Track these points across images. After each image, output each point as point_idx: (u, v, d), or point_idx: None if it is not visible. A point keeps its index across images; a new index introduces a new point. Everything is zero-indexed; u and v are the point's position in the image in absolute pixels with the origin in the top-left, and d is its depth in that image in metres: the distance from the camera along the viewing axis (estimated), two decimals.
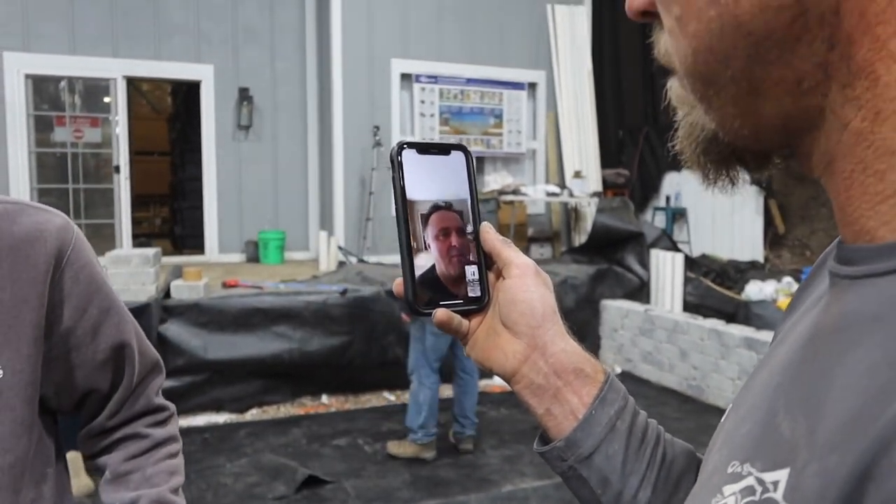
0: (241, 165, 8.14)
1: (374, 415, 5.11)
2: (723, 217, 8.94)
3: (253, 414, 5.16)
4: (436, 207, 0.61)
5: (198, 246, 8.42)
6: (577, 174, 8.43)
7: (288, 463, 4.11)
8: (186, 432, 4.51)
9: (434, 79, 8.21)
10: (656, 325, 5.88)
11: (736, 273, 7.47)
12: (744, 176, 0.42)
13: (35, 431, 0.94)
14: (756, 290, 6.67)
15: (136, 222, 8.54)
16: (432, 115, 8.24)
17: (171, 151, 11.55)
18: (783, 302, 6.37)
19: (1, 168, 7.26)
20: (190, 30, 7.87)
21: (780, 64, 0.34)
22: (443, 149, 0.63)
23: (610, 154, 9.56)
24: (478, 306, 0.61)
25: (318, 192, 8.44)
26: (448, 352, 4.19)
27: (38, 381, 0.93)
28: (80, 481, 3.56)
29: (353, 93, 7.77)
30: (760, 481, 0.34)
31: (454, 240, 0.61)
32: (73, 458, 3.48)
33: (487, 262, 0.62)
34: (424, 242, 0.60)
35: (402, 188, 0.60)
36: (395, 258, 0.67)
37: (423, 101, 8.19)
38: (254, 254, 7.94)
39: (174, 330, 4.98)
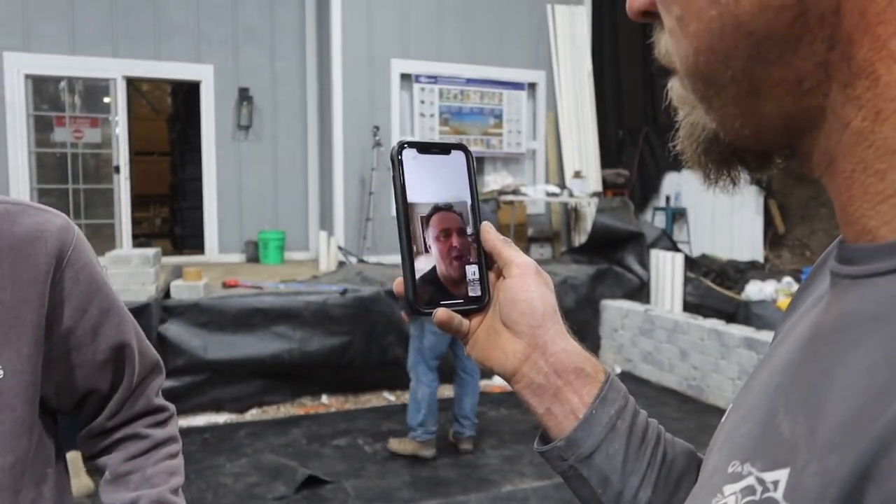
0: (241, 165, 8.14)
1: (374, 415, 5.11)
2: (723, 217, 8.94)
3: (253, 414, 5.16)
4: (436, 208, 0.61)
5: (198, 246, 8.42)
6: (577, 174, 8.43)
7: (288, 463, 4.11)
8: (186, 432, 4.52)
9: (434, 79, 8.21)
10: (656, 325, 5.88)
11: (736, 273, 7.47)
12: (744, 176, 0.42)
13: (35, 432, 0.93)
14: (756, 290, 6.67)
15: (136, 222, 8.54)
16: (432, 116, 8.24)
17: (170, 151, 11.54)
18: (783, 302, 6.37)
19: (1, 168, 7.26)
20: (190, 30, 7.87)
21: (781, 64, 0.34)
22: (443, 148, 0.63)
23: (610, 154, 9.56)
24: (478, 306, 0.61)
25: (318, 192, 8.44)
26: (448, 352, 4.20)
27: (39, 382, 0.93)
28: (80, 481, 3.56)
29: (353, 93, 7.77)
30: (761, 481, 0.34)
31: (455, 240, 0.61)
32: (73, 458, 3.48)
33: (488, 262, 0.62)
34: (425, 243, 0.60)
35: (403, 188, 0.60)
36: (395, 258, 0.67)
37: (422, 102, 8.19)
38: (254, 254, 7.94)
39: (174, 330, 4.98)
